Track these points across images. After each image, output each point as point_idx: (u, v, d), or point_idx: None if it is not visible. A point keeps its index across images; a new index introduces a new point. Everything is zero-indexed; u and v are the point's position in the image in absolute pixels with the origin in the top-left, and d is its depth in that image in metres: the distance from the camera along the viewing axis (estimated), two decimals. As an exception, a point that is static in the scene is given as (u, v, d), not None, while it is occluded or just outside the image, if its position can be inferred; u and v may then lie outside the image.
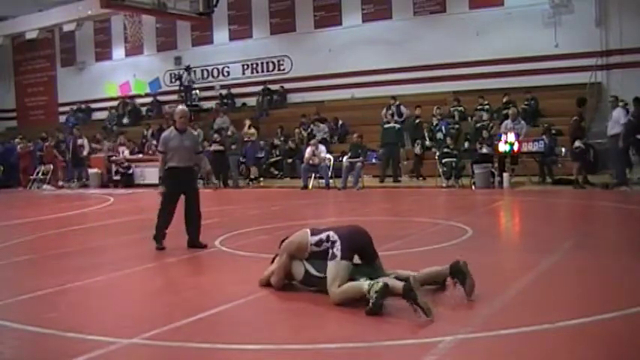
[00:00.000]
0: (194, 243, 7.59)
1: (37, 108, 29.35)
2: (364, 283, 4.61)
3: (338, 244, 4.91)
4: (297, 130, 19.56)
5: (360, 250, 5.04)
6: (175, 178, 7.48)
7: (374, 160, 17.35)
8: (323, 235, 5.05)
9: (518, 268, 6.09)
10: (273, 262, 5.46)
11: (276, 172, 19.00)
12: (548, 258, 6.23)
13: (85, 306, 5.30)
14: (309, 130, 19.39)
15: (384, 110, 17.94)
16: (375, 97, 19.97)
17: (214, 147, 17.70)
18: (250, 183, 17.72)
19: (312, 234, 5.13)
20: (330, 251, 4.93)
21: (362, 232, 5.12)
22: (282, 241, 5.41)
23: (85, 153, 20.19)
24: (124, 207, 13.68)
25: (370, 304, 4.43)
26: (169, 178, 7.51)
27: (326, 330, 4.34)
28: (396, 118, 17.92)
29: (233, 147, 17.57)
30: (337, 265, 4.86)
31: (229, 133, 18.26)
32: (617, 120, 13.27)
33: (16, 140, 22.08)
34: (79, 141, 20.31)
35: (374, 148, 17.30)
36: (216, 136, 18.36)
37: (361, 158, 15.41)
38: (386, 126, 16.36)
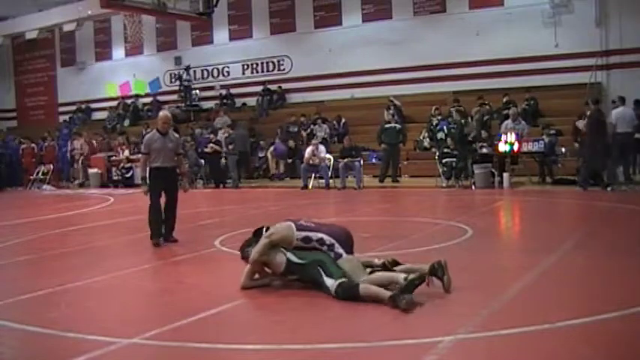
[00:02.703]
0: (167, 237, 8.02)
1: (37, 108, 29.31)
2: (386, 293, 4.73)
3: (337, 245, 5.15)
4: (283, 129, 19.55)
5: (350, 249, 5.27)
6: (160, 177, 7.99)
7: (374, 160, 17.35)
8: (312, 235, 5.23)
9: (518, 268, 6.09)
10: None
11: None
12: (548, 258, 6.24)
13: (85, 306, 5.30)
14: (309, 130, 19.38)
15: (387, 111, 18.00)
16: (375, 97, 19.96)
17: (210, 147, 17.71)
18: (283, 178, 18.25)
19: (298, 229, 5.28)
20: (332, 253, 5.14)
21: (349, 234, 5.36)
22: (257, 230, 5.54)
23: (77, 155, 20.18)
24: (124, 207, 13.67)
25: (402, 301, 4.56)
26: (154, 177, 8.01)
27: (326, 330, 4.34)
28: (396, 117, 17.98)
29: (230, 147, 17.57)
30: (348, 261, 5.09)
31: (226, 134, 18.26)
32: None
33: (20, 140, 22.10)
34: (75, 143, 20.38)
35: (374, 148, 17.30)
36: (212, 136, 18.37)
37: (359, 158, 15.42)
38: (386, 126, 16.35)
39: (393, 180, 15.91)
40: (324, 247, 5.17)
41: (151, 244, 7.86)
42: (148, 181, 8.03)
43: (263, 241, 5.32)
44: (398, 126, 16.45)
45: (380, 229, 8.78)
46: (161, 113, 8.53)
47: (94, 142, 21.01)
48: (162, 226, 8.00)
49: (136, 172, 19.30)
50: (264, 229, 5.53)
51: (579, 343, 3.86)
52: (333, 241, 5.15)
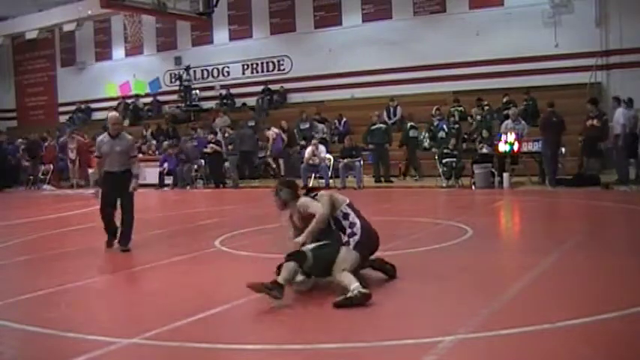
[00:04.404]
0: (122, 246, 7.67)
1: (37, 108, 29.29)
2: (354, 284, 4.85)
3: (356, 238, 5.24)
4: (295, 130, 19.53)
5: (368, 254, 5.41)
6: (109, 181, 7.74)
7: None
8: (351, 217, 5.38)
9: (518, 268, 6.09)
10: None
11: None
12: (548, 258, 6.24)
13: (85, 306, 5.31)
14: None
15: (385, 112, 18.09)
16: (375, 97, 19.96)
17: (210, 147, 17.70)
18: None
19: (349, 205, 5.47)
20: (346, 238, 5.24)
21: (377, 240, 5.54)
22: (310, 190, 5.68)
23: (71, 156, 20.18)
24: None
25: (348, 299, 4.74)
26: (105, 181, 7.78)
27: (326, 330, 4.34)
28: (390, 118, 18.13)
29: (230, 147, 17.57)
30: (348, 252, 5.16)
31: (225, 135, 18.25)
32: (617, 120, 13.40)
33: (19, 140, 22.05)
34: (62, 140, 20.47)
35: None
36: (211, 136, 18.37)
37: (359, 158, 15.43)
38: (373, 127, 16.41)
39: (386, 180, 15.94)
40: (349, 231, 5.28)
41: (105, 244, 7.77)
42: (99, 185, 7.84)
43: (325, 198, 5.38)
44: (383, 126, 16.56)
45: (380, 229, 8.72)
46: (111, 114, 8.22)
47: (84, 137, 20.94)
48: (115, 230, 7.74)
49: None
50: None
51: (579, 343, 3.86)
52: (358, 233, 5.26)
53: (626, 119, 13.30)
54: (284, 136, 18.60)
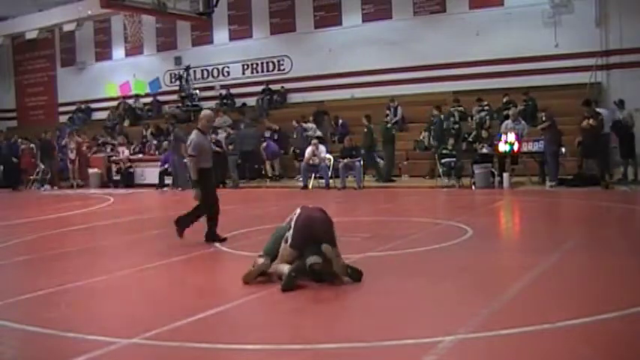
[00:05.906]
0: (216, 237, 7.85)
1: (37, 108, 29.29)
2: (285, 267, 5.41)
3: (292, 232, 5.54)
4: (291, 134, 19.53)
5: (314, 239, 5.46)
6: (209, 176, 7.93)
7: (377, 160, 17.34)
8: (291, 217, 5.71)
9: (518, 268, 6.09)
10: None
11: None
12: (548, 258, 6.24)
13: (85, 306, 5.31)
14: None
15: (388, 111, 18.10)
16: (375, 97, 19.96)
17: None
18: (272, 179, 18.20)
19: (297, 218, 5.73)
20: (286, 234, 5.60)
21: (314, 226, 5.54)
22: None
23: (71, 156, 20.16)
24: (125, 207, 13.66)
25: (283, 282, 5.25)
26: (206, 178, 7.87)
27: (326, 330, 4.35)
28: (394, 119, 18.11)
29: (230, 147, 17.57)
30: (284, 249, 5.55)
31: (225, 134, 18.25)
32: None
33: (19, 140, 22.03)
34: (64, 141, 20.45)
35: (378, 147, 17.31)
36: (212, 136, 18.34)
37: (359, 158, 15.44)
38: (388, 126, 16.48)
39: (388, 180, 16.03)
40: (288, 227, 5.65)
41: (179, 233, 7.81)
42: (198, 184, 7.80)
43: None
44: (390, 126, 16.64)
45: (380, 229, 8.79)
46: (207, 112, 8.49)
47: (80, 138, 20.92)
48: None
49: (136, 172, 19.38)
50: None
51: (579, 343, 3.86)
52: (292, 226, 5.58)
53: (605, 121, 13.55)
54: (275, 136, 18.65)
